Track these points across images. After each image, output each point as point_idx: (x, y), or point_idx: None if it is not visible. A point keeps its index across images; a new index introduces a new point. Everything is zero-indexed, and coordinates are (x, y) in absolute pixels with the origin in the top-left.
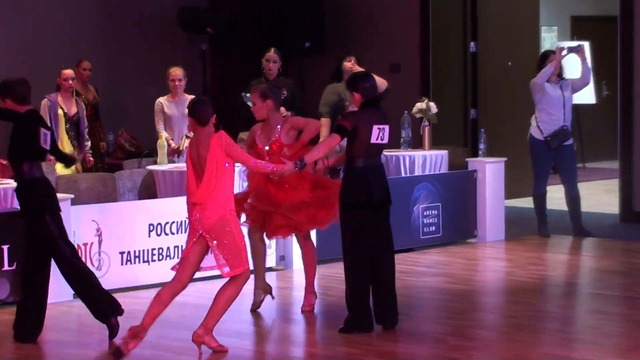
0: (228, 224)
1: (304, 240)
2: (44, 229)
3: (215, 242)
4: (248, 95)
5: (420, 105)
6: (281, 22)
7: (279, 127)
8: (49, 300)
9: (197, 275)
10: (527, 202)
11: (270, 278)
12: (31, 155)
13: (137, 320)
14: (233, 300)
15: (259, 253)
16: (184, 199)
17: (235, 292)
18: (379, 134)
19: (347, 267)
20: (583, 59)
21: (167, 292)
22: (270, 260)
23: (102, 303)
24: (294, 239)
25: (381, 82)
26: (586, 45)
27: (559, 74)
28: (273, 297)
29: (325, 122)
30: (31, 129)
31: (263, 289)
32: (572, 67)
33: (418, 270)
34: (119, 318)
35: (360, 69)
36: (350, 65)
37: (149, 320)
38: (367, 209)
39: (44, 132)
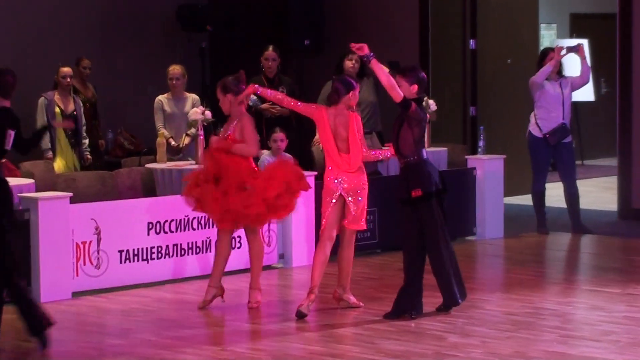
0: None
1: (252, 235)
2: None
3: (351, 199)
4: None
5: None
6: (281, 20)
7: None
8: (43, 300)
9: (198, 273)
10: (526, 200)
11: (270, 276)
12: None
13: (135, 321)
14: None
15: (223, 254)
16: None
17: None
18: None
19: (441, 255)
20: (582, 58)
21: (325, 253)
22: (270, 258)
23: None
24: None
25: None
26: (585, 43)
27: (559, 72)
28: (223, 300)
29: None
30: None
31: (217, 288)
32: (572, 64)
33: None
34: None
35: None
36: (352, 65)
37: (317, 280)
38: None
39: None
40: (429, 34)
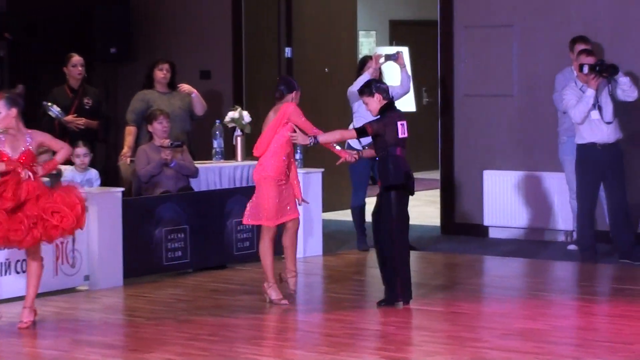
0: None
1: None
2: None
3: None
4: (49, 104)
5: (232, 114)
6: (85, 27)
7: (28, 137)
8: None
9: None
10: (345, 215)
11: (74, 299)
12: None
13: None
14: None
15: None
16: None
17: (261, 244)
18: (402, 129)
19: (393, 245)
20: (402, 66)
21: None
22: (75, 280)
23: None
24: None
25: (202, 105)
26: (405, 50)
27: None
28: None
29: (130, 130)
30: None
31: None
32: (393, 73)
33: (232, 288)
34: None
35: (191, 89)
36: (163, 75)
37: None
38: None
39: None
40: (243, 41)
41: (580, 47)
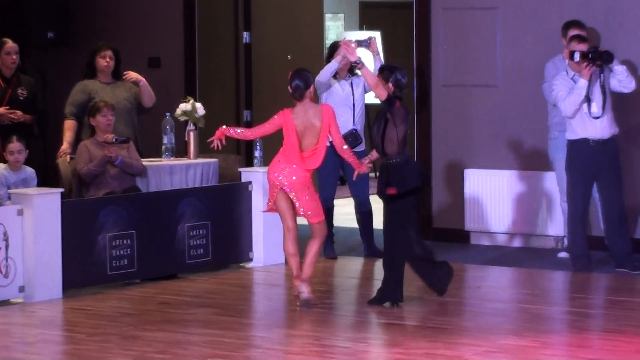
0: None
1: None
2: None
3: (295, 195)
4: None
5: (184, 106)
6: (18, 9)
7: None
8: None
9: None
10: None
11: (9, 312)
12: None
13: None
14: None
15: None
16: None
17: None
18: None
19: (390, 251)
20: (375, 54)
21: (289, 245)
22: (8, 292)
23: None
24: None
25: (151, 96)
26: (377, 36)
27: (350, 69)
28: None
29: (70, 124)
30: None
31: None
32: (365, 60)
33: (184, 300)
34: None
35: (138, 77)
36: (105, 63)
37: (298, 271)
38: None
39: None
40: (196, 26)
41: (574, 32)
